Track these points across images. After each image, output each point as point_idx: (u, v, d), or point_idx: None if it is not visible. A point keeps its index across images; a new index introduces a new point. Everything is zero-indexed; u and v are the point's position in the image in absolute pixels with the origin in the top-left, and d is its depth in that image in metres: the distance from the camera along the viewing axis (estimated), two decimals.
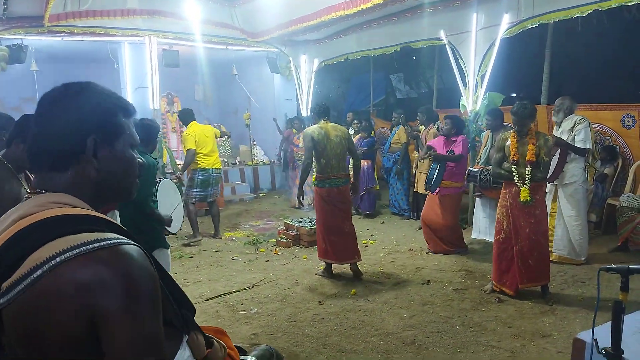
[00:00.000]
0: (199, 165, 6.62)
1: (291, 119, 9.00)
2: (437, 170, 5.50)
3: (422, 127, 7.21)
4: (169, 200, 4.02)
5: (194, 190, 6.65)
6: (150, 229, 3.61)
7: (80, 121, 1.06)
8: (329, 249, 4.92)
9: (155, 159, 3.92)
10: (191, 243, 6.51)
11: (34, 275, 0.90)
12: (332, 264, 5.00)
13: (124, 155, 1.13)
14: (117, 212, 4.57)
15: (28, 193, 1.08)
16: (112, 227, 1.03)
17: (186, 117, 6.79)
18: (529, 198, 4.13)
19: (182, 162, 7.13)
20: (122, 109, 1.14)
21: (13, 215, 1.02)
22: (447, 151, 5.63)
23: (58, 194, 1.04)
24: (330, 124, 4.91)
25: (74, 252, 0.91)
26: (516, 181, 4.20)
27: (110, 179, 1.11)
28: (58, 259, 0.90)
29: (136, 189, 1.20)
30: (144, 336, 0.94)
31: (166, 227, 3.84)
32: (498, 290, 4.39)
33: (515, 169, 4.20)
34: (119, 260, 0.93)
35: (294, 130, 8.76)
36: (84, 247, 0.92)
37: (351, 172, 5.22)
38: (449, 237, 5.69)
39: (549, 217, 5.12)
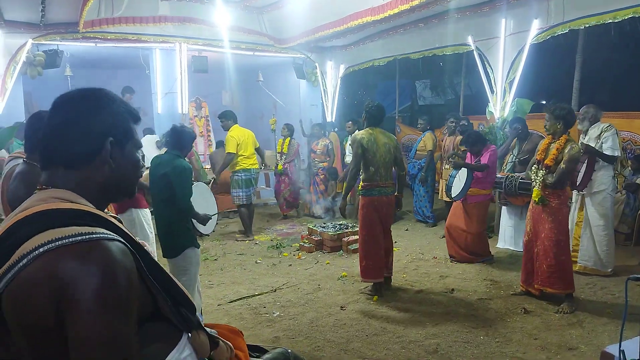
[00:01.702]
0: (241, 167, 6.94)
1: (314, 125, 8.94)
2: (455, 178, 5.43)
3: (447, 136, 7.16)
4: (204, 203, 4.11)
5: (240, 191, 6.99)
6: (184, 229, 3.73)
7: (99, 123, 1.13)
8: (372, 265, 4.60)
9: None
10: (241, 239, 6.99)
11: (20, 264, 0.94)
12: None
13: (133, 157, 1.21)
14: (145, 210, 4.69)
15: (37, 189, 1.13)
16: (105, 223, 1.05)
17: (231, 117, 7.07)
18: (537, 199, 4.21)
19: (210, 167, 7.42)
20: (132, 115, 1.23)
21: (21, 207, 1.08)
22: (474, 162, 5.56)
23: (61, 190, 1.09)
24: (379, 130, 4.65)
25: (57, 243, 0.94)
26: (533, 181, 4.29)
27: (119, 179, 1.18)
28: (41, 249, 0.94)
29: (136, 187, 1.28)
30: (109, 336, 0.93)
31: (198, 228, 3.94)
32: (525, 290, 4.49)
33: (535, 170, 4.27)
34: (95, 254, 0.95)
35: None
36: (67, 240, 0.95)
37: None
38: (473, 246, 5.59)
39: (574, 226, 5.06)
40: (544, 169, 4.16)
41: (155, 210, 3.85)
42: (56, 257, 0.94)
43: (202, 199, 4.06)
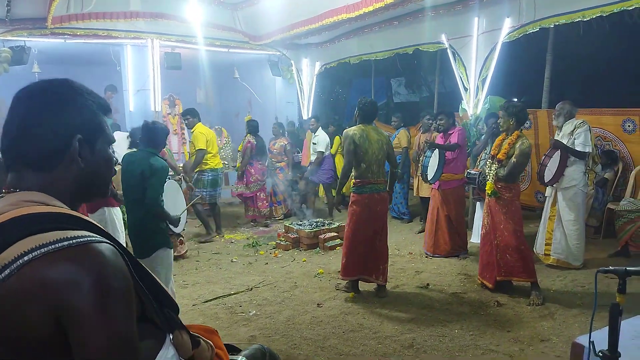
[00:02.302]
0: (208, 166, 6.73)
1: (274, 124, 8.52)
2: (431, 159, 5.47)
3: (420, 133, 7.21)
4: (173, 201, 4.03)
5: (204, 190, 6.78)
6: (156, 229, 3.64)
7: (65, 120, 1.06)
8: (352, 263, 4.52)
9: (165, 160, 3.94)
10: (206, 240, 6.72)
11: (1, 275, 0.88)
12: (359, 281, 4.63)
13: (104, 154, 1.14)
14: (116, 209, 4.59)
15: (2, 192, 1.06)
16: (86, 225, 1.01)
17: (196, 114, 6.84)
18: (489, 192, 4.40)
19: (182, 165, 7.24)
20: (101, 107, 1.15)
21: None
22: (445, 143, 5.67)
23: (32, 193, 1.03)
24: (372, 127, 4.56)
25: (42, 250, 0.89)
26: (487, 174, 4.46)
27: (91, 177, 1.11)
28: (26, 258, 0.88)
29: (110, 185, 1.22)
30: (115, 337, 0.91)
31: (171, 227, 3.86)
32: (480, 282, 4.64)
33: (489, 164, 4.46)
34: (88, 258, 0.91)
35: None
36: (53, 246, 0.90)
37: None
38: (453, 235, 5.66)
39: (547, 220, 5.19)
40: (496, 162, 4.35)
41: (128, 209, 3.76)
42: (45, 265, 0.88)
43: (171, 197, 3.98)
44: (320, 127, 7.88)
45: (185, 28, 7.73)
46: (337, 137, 8.65)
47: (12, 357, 0.93)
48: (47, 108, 1.06)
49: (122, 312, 0.93)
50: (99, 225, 1.06)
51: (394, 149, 7.38)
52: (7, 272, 0.88)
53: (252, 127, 7.69)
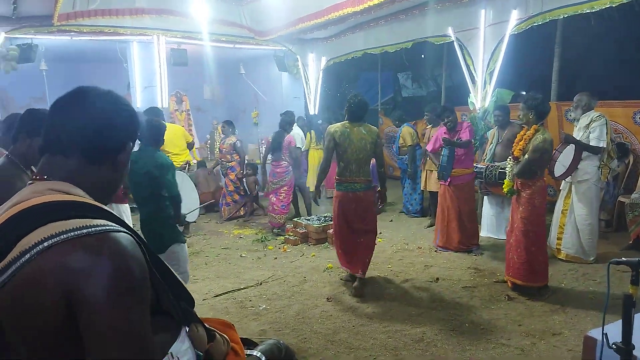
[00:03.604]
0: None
1: (223, 122, 8.03)
2: (447, 157, 5.48)
3: (430, 127, 7.12)
4: (185, 192, 4.06)
5: None
6: (167, 225, 3.70)
7: (128, 125, 1.17)
8: (340, 253, 4.73)
9: None
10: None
11: (22, 260, 0.90)
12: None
13: (128, 163, 1.23)
14: (125, 206, 4.63)
15: (31, 180, 1.08)
16: (107, 215, 1.02)
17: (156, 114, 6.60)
18: (505, 190, 4.30)
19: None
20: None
21: (13, 200, 1.03)
22: (455, 139, 5.64)
23: (58, 182, 1.05)
24: (359, 125, 4.48)
25: (62, 237, 0.91)
26: (508, 172, 4.36)
27: (114, 182, 1.18)
28: (45, 244, 0.90)
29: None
30: (127, 327, 0.91)
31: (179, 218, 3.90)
32: (506, 280, 4.50)
33: (509, 161, 4.35)
34: (106, 246, 0.92)
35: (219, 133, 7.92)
36: (72, 233, 0.91)
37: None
38: (465, 230, 5.59)
39: (560, 214, 5.11)
40: (512, 160, 4.22)
41: (138, 208, 3.79)
42: (64, 251, 0.90)
43: (183, 190, 4.00)
44: (295, 124, 7.47)
45: (191, 24, 7.72)
46: (307, 134, 8.57)
47: (23, 346, 0.93)
48: (119, 109, 1.15)
49: (134, 304, 0.93)
50: (119, 217, 1.07)
51: (403, 148, 7.37)
52: (27, 256, 0.90)
53: (283, 122, 7.04)
